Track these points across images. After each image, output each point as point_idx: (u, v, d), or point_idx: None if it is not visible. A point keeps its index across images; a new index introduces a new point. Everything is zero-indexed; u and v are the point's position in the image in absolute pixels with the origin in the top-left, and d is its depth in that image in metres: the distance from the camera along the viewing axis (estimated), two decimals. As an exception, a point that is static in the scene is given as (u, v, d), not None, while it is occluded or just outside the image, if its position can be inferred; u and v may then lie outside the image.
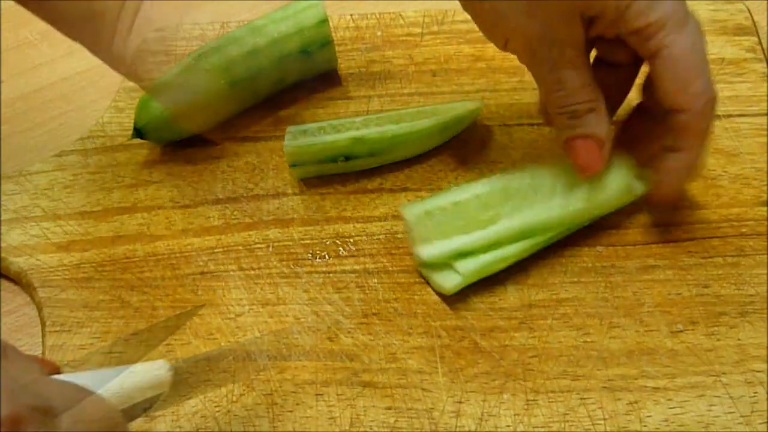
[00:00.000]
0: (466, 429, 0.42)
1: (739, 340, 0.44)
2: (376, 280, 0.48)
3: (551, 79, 0.44)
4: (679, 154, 0.44)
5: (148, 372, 0.36)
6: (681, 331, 0.45)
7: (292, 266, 0.49)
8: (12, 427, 0.28)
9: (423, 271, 0.47)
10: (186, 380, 0.39)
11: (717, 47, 0.58)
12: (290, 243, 0.50)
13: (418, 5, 0.62)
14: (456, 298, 0.47)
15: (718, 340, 0.45)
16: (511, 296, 0.47)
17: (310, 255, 0.49)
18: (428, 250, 0.45)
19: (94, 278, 0.49)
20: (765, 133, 0.53)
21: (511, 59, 0.58)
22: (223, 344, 0.46)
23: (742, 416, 0.42)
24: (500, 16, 0.43)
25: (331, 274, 0.48)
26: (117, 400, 0.34)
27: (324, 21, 0.55)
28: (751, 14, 0.60)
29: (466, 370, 0.44)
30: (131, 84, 0.58)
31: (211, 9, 0.63)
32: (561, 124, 0.45)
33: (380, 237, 0.49)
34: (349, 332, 0.46)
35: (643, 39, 0.41)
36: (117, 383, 0.34)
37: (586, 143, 0.45)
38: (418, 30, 0.60)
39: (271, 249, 0.49)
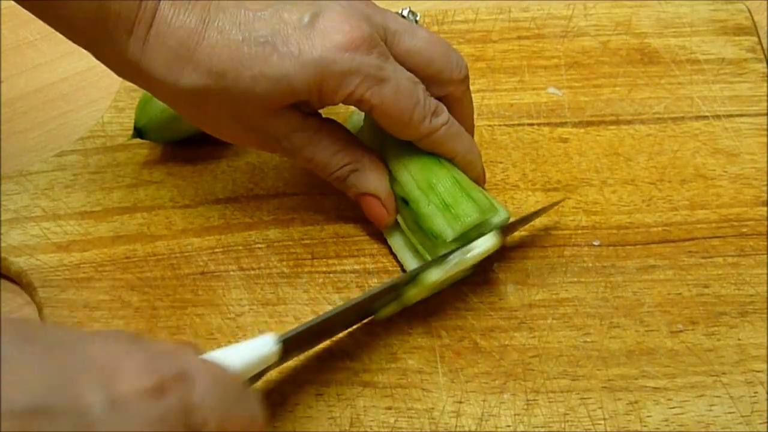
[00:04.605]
0: (466, 429, 0.42)
1: (739, 340, 0.45)
2: (376, 280, 0.48)
3: (301, 159, 0.47)
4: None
5: (256, 350, 0.37)
6: (681, 331, 0.45)
7: (292, 266, 0.49)
8: (158, 395, 0.30)
9: None
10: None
11: (717, 47, 0.58)
12: (290, 243, 0.50)
13: (418, 5, 0.62)
14: (456, 298, 0.47)
15: (718, 340, 0.45)
16: (511, 296, 0.47)
17: (310, 255, 0.49)
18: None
19: (95, 278, 0.49)
20: (765, 133, 0.53)
21: (511, 59, 0.59)
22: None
23: (742, 416, 0.42)
24: (225, 134, 0.47)
25: (331, 274, 0.48)
26: None
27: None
28: (751, 14, 0.60)
29: (466, 370, 0.44)
30: (131, 84, 0.58)
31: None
32: (337, 186, 0.48)
33: (380, 237, 0.49)
34: (349, 332, 0.46)
35: (353, 103, 0.44)
36: (227, 362, 0.35)
37: (365, 199, 0.47)
38: (418, 30, 0.60)
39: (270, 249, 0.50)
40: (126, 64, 0.44)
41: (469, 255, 0.44)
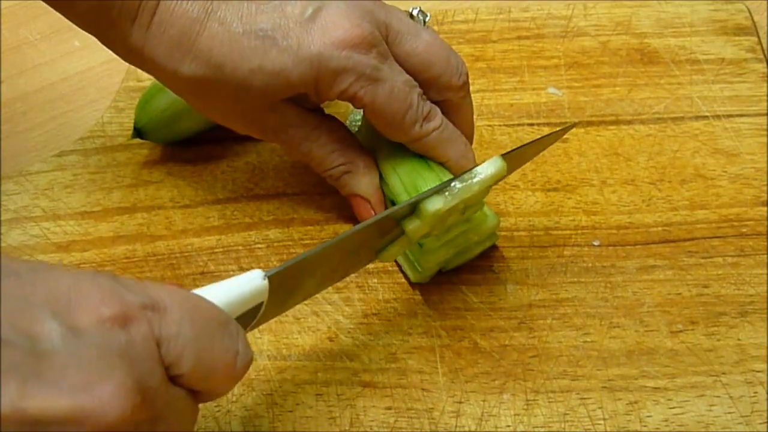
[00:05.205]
0: (466, 429, 0.42)
1: (739, 340, 0.44)
2: (376, 280, 0.48)
3: (298, 154, 0.47)
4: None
5: (242, 285, 0.35)
6: (681, 331, 0.45)
7: (292, 266, 0.49)
8: (122, 324, 0.28)
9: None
10: (283, 287, 0.37)
11: (717, 47, 0.58)
12: (290, 243, 0.50)
13: (419, 5, 0.62)
14: (456, 298, 0.47)
15: (718, 340, 0.45)
16: (511, 296, 0.47)
17: (310, 255, 0.49)
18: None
19: (94, 278, 0.49)
20: (765, 133, 0.53)
21: (511, 59, 0.59)
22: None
23: (742, 416, 0.42)
24: (225, 121, 0.47)
25: (331, 274, 0.48)
26: None
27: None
28: (751, 14, 0.60)
29: (466, 370, 0.44)
30: (131, 84, 0.58)
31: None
32: (330, 182, 0.48)
33: (380, 237, 0.49)
34: (349, 332, 0.46)
35: (347, 100, 0.44)
36: (211, 299, 0.33)
37: (355, 200, 0.48)
38: (418, 30, 0.60)
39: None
40: (130, 50, 0.44)
41: (471, 181, 0.43)
